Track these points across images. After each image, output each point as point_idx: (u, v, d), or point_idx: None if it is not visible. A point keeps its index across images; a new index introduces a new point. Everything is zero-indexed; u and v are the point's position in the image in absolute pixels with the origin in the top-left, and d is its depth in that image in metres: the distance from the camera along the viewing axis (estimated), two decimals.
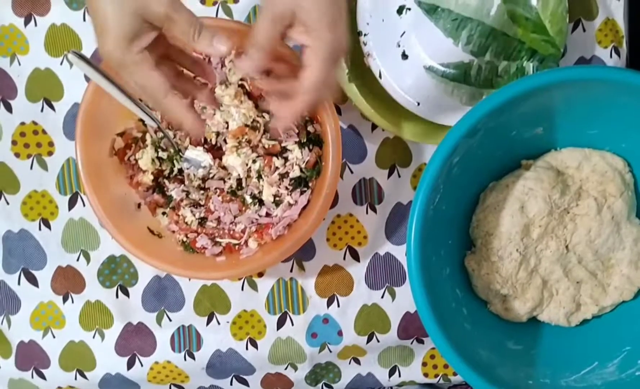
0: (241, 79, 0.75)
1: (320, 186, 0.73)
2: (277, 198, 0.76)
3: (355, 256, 0.84)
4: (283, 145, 0.75)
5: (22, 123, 0.81)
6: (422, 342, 0.85)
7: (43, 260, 0.83)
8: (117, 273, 0.83)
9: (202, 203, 0.78)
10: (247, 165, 0.76)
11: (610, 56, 0.83)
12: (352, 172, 0.83)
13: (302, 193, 0.76)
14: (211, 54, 0.59)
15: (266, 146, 0.76)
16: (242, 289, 0.83)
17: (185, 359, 0.84)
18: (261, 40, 0.58)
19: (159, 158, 0.77)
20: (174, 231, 0.79)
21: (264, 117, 0.76)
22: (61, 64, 0.81)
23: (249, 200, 0.77)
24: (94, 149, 0.74)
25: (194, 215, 0.78)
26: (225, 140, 0.76)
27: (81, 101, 0.72)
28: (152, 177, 0.77)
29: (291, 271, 0.83)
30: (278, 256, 0.73)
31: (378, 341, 0.84)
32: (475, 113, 0.66)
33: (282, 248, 0.72)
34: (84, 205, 0.82)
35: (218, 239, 0.78)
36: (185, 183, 0.78)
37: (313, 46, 0.57)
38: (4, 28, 0.80)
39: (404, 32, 0.77)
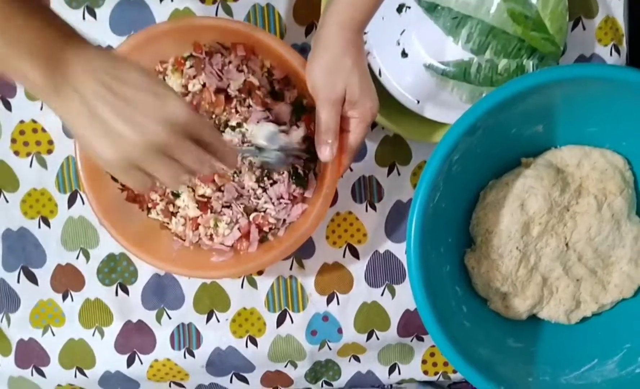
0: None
1: (320, 185, 0.73)
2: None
3: (355, 254, 0.84)
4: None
5: (22, 122, 0.81)
6: (421, 340, 0.85)
7: (42, 258, 0.83)
8: (116, 271, 0.83)
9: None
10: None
11: (610, 54, 0.83)
12: (351, 170, 0.82)
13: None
14: None
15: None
16: (242, 287, 0.83)
17: (185, 357, 0.84)
18: (333, 126, 0.65)
19: None
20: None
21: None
22: None
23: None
24: None
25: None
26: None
27: None
28: None
29: (291, 269, 0.83)
30: (278, 255, 0.73)
31: (378, 338, 0.84)
32: (475, 111, 0.66)
33: (282, 247, 0.72)
34: (83, 203, 0.82)
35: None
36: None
37: (359, 116, 0.65)
38: None
39: (403, 30, 0.77)
